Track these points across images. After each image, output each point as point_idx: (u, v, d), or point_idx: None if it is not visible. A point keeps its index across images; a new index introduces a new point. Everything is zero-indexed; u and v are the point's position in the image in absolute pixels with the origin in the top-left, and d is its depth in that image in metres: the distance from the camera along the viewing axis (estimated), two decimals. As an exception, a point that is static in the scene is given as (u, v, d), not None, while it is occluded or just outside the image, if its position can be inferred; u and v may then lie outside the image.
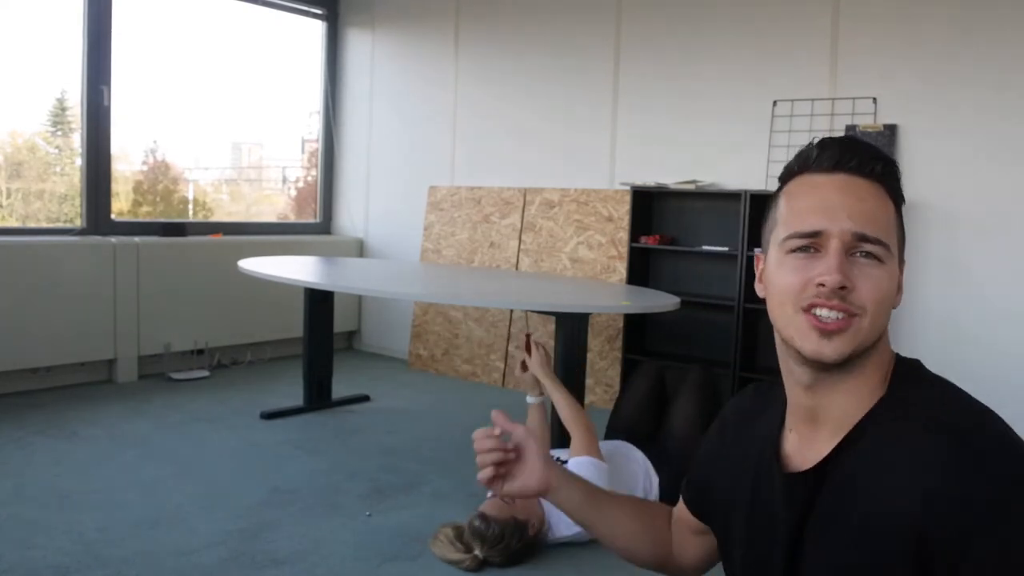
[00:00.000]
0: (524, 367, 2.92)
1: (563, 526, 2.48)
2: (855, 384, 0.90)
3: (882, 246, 0.87)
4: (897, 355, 0.94)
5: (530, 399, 2.89)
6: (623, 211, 4.28)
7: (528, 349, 2.91)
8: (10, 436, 3.39)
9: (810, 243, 0.89)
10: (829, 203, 0.88)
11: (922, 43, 3.49)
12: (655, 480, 2.78)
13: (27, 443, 3.31)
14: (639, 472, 2.77)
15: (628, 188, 4.21)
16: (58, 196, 4.67)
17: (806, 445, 0.94)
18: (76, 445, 3.32)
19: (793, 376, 0.94)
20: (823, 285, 0.86)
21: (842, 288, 0.85)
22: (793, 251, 0.90)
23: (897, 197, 0.92)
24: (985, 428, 0.83)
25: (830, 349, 0.87)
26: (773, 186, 4.23)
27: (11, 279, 3.94)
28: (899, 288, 0.91)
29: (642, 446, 2.90)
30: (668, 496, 2.82)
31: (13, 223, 4.51)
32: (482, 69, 4.98)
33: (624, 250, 4.26)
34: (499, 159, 4.91)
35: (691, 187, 4.01)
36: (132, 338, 4.40)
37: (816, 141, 0.94)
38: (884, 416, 0.87)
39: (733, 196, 3.92)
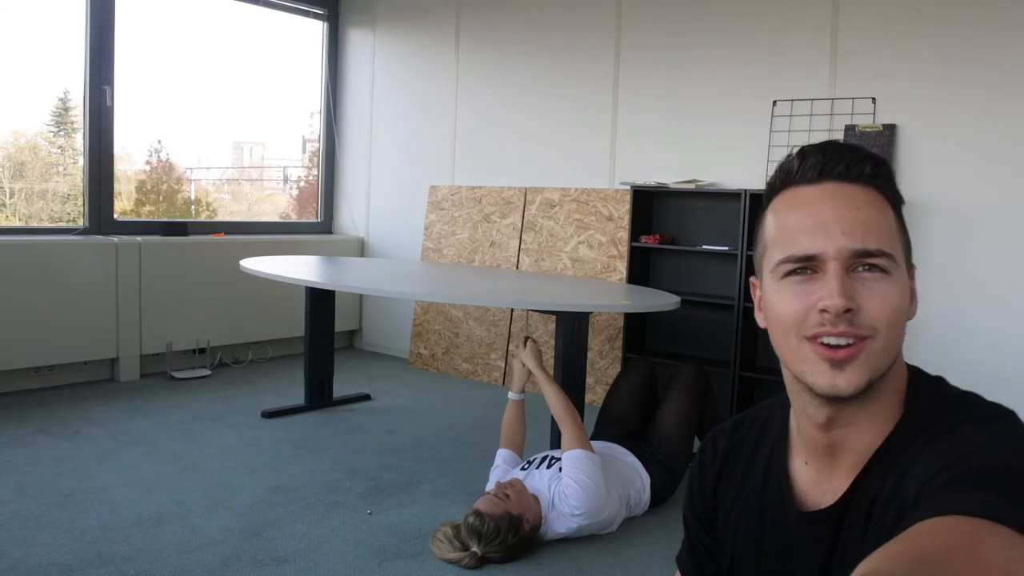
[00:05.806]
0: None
1: (559, 523, 2.50)
2: (874, 412, 0.83)
3: (886, 257, 0.78)
4: (916, 370, 0.87)
5: (511, 395, 2.99)
6: (623, 210, 4.29)
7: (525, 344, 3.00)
8: (12, 435, 3.41)
9: (807, 265, 0.81)
10: (821, 219, 0.80)
11: (922, 43, 3.49)
12: (647, 480, 2.78)
13: (29, 442, 3.33)
14: (632, 472, 2.78)
15: (628, 187, 4.22)
16: (61, 196, 4.69)
17: (824, 479, 0.87)
18: (78, 444, 3.33)
19: (807, 415, 0.86)
20: (826, 311, 0.78)
21: (847, 311, 0.77)
22: (788, 275, 0.82)
23: (894, 198, 0.83)
24: (1008, 419, 0.77)
25: (844, 381, 0.79)
26: (772, 186, 4.10)
27: (14, 279, 3.95)
28: (912, 297, 0.84)
29: (631, 443, 2.91)
30: (660, 495, 2.83)
31: (16, 223, 4.52)
32: (483, 69, 4.99)
33: (624, 249, 4.27)
34: (500, 158, 4.92)
35: (691, 187, 4.02)
36: (134, 337, 4.41)
37: (795, 150, 0.86)
38: (904, 436, 0.81)
39: (733, 196, 3.93)
